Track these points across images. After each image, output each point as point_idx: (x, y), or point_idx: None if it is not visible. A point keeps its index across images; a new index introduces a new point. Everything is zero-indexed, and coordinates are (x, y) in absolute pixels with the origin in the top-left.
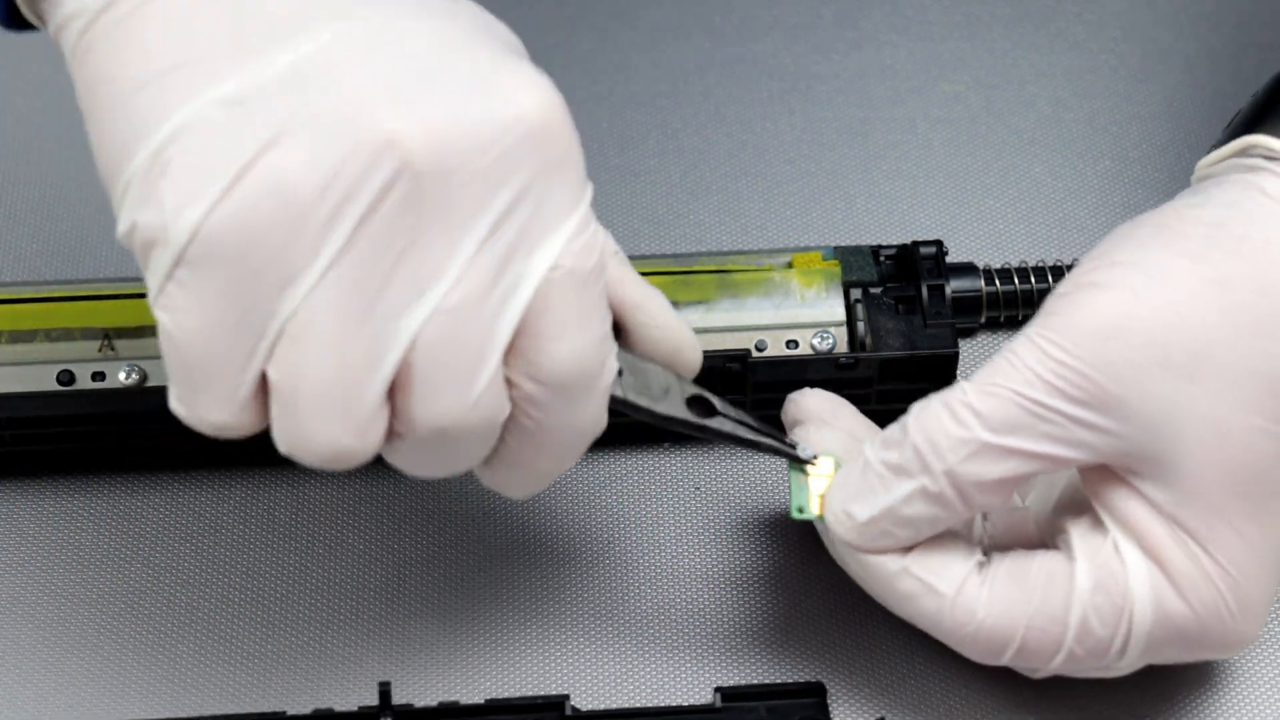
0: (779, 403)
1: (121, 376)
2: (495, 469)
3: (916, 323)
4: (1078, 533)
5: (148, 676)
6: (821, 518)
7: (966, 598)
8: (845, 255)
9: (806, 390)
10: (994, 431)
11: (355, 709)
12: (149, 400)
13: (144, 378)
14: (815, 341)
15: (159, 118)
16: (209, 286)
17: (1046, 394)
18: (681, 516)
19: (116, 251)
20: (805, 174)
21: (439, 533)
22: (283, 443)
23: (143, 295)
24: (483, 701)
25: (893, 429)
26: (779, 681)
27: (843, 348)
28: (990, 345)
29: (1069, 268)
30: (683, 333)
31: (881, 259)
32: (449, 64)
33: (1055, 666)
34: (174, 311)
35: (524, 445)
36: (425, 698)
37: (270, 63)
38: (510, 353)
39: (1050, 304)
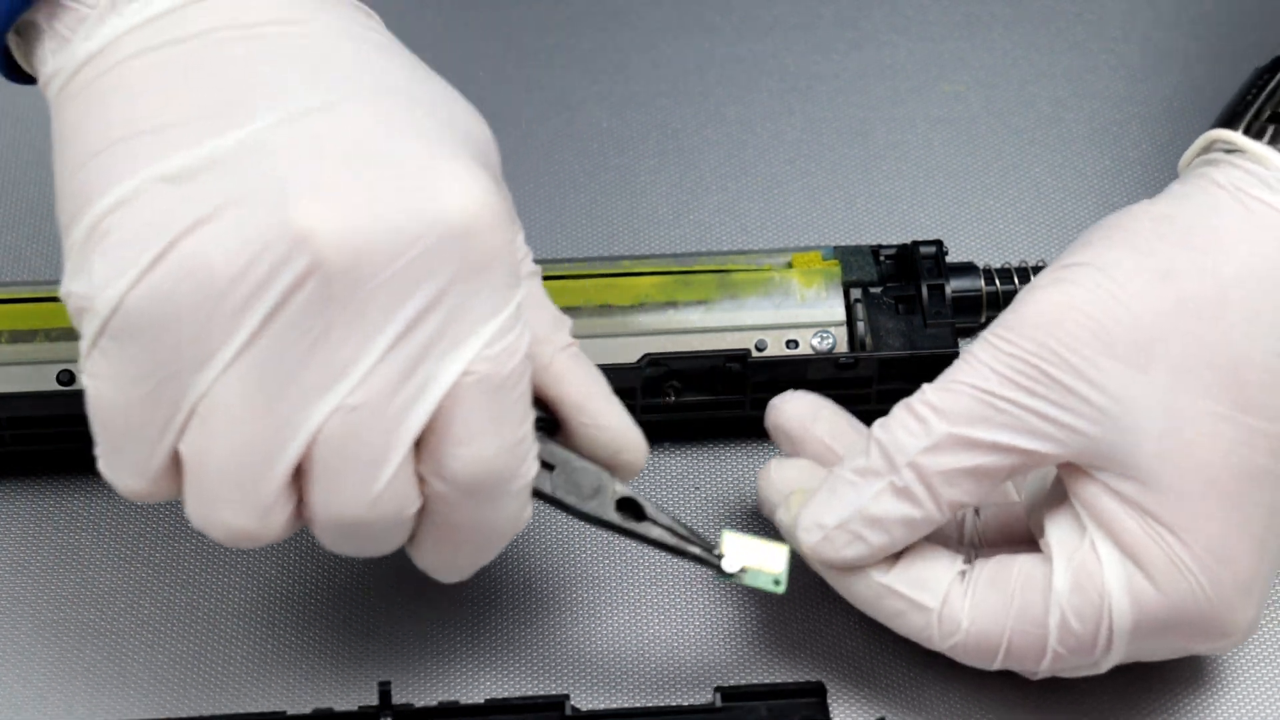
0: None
1: None
2: (417, 555)
3: (916, 322)
4: (1055, 531)
5: (148, 676)
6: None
7: (951, 609)
8: (845, 255)
9: (788, 395)
10: (953, 424)
11: (355, 709)
12: None
13: None
14: (815, 341)
15: (102, 188)
16: (128, 358)
17: (1000, 385)
18: (682, 516)
19: None
20: (805, 174)
21: None
22: (192, 518)
23: None
24: (483, 701)
25: (858, 442)
26: (779, 681)
27: (843, 347)
28: None
29: None
30: (624, 435)
31: (881, 259)
32: (381, 155)
33: (1045, 668)
34: (96, 378)
35: (439, 539)
36: (425, 698)
37: (217, 141)
38: (422, 450)
39: (1008, 308)
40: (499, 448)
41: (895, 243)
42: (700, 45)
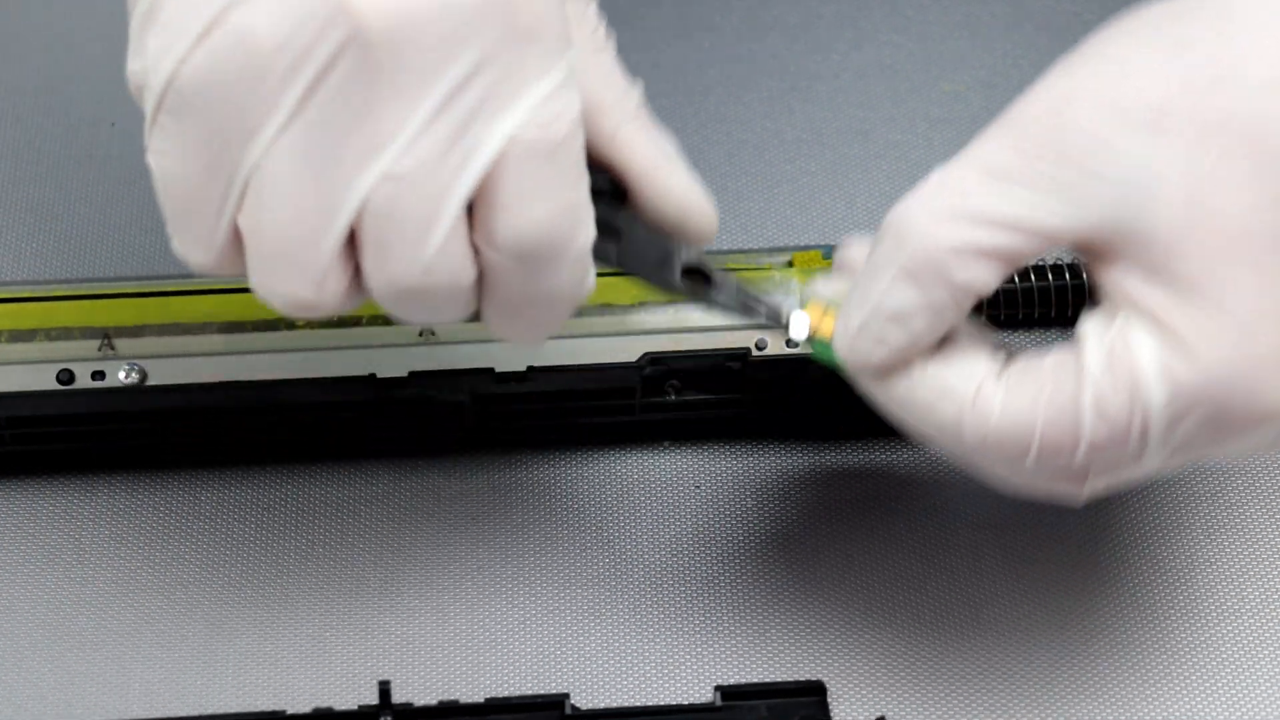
0: (779, 403)
1: (121, 375)
2: (487, 324)
3: None
4: (1086, 320)
5: (148, 676)
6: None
7: (983, 399)
8: None
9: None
10: (963, 198)
11: (355, 708)
12: (149, 399)
13: (143, 377)
14: None
15: None
16: (184, 132)
17: (1011, 160)
18: (681, 516)
19: (116, 251)
20: (805, 174)
21: (439, 532)
22: (255, 290)
23: (142, 295)
24: (483, 701)
25: (870, 244)
26: (779, 681)
27: None
28: None
29: (1069, 266)
30: (691, 203)
31: None
32: None
33: (1080, 462)
34: (157, 155)
35: (502, 308)
36: (425, 697)
37: None
38: (475, 219)
39: (1016, 100)
40: (549, 213)
41: None
42: (700, 45)
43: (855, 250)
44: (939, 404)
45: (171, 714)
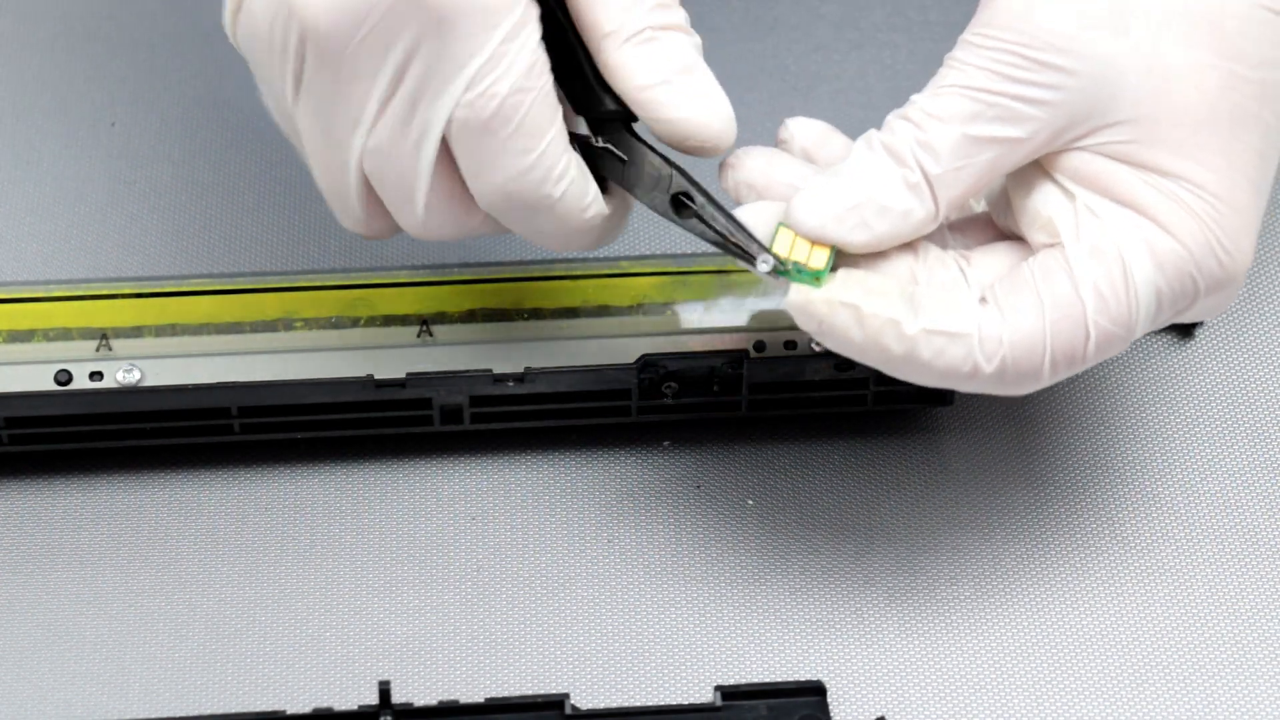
0: (778, 403)
1: (119, 376)
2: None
3: None
4: (1048, 210)
5: (147, 676)
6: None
7: (988, 329)
8: None
9: (742, 150)
10: (948, 123)
11: (355, 708)
12: (146, 400)
13: (141, 377)
14: (813, 343)
15: None
16: (258, 77)
17: (987, 80)
18: (681, 516)
19: (114, 252)
20: None
21: (439, 532)
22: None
23: (140, 296)
24: (483, 701)
25: (858, 145)
26: (779, 681)
27: None
28: None
29: None
30: (688, 123)
31: None
32: None
33: (1091, 354)
34: (260, 89)
35: (525, 235)
36: (425, 697)
37: None
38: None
39: (981, 6)
40: (507, 176)
41: None
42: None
43: (803, 132)
44: (948, 350)
45: (171, 714)
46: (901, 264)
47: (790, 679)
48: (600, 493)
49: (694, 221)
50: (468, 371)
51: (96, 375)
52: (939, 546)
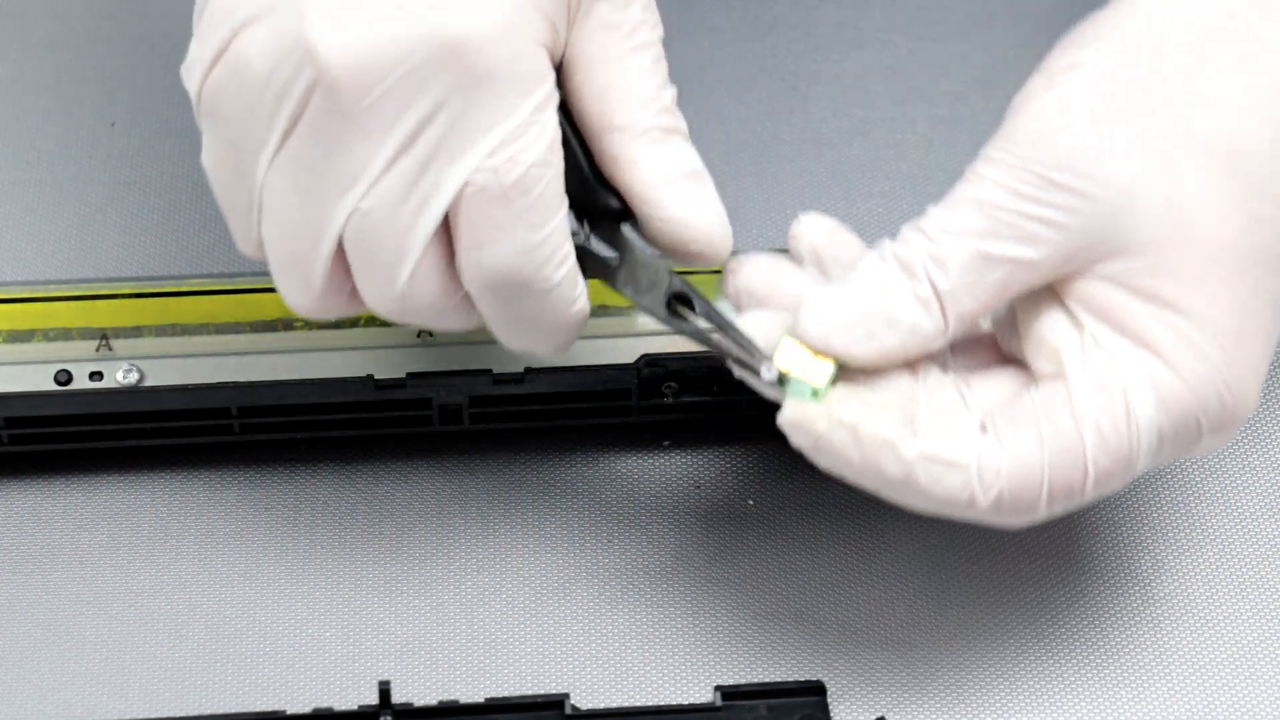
0: (777, 405)
1: (119, 376)
2: (493, 335)
3: None
4: (1055, 340)
5: (147, 676)
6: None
7: (986, 460)
8: None
9: (745, 256)
10: (961, 239)
11: (355, 709)
12: (146, 400)
13: (141, 377)
14: None
15: None
16: (214, 137)
17: (1004, 197)
18: (681, 516)
19: (114, 252)
20: (805, 174)
21: (439, 532)
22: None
23: (140, 296)
24: (483, 701)
25: (870, 255)
26: (779, 681)
27: None
28: None
29: None
30: (690, 227)
31: None
32: None
33: (1089, 491)
34: (204, 152)
35: (496, 326)
36: (425, 697)
37: None
38: (452, 251)
39: (1005, 119)
40: (508, 254)
41: None
42: (700, 45)
43: (813, 230)
44: (945, 479)
45: (171, 714)
46: (901, 384)
47: (790, 679)
48: (600, 493)
49: (691, 325)
50: (468, 371)
51: (96, 375)
52: (939, 545)
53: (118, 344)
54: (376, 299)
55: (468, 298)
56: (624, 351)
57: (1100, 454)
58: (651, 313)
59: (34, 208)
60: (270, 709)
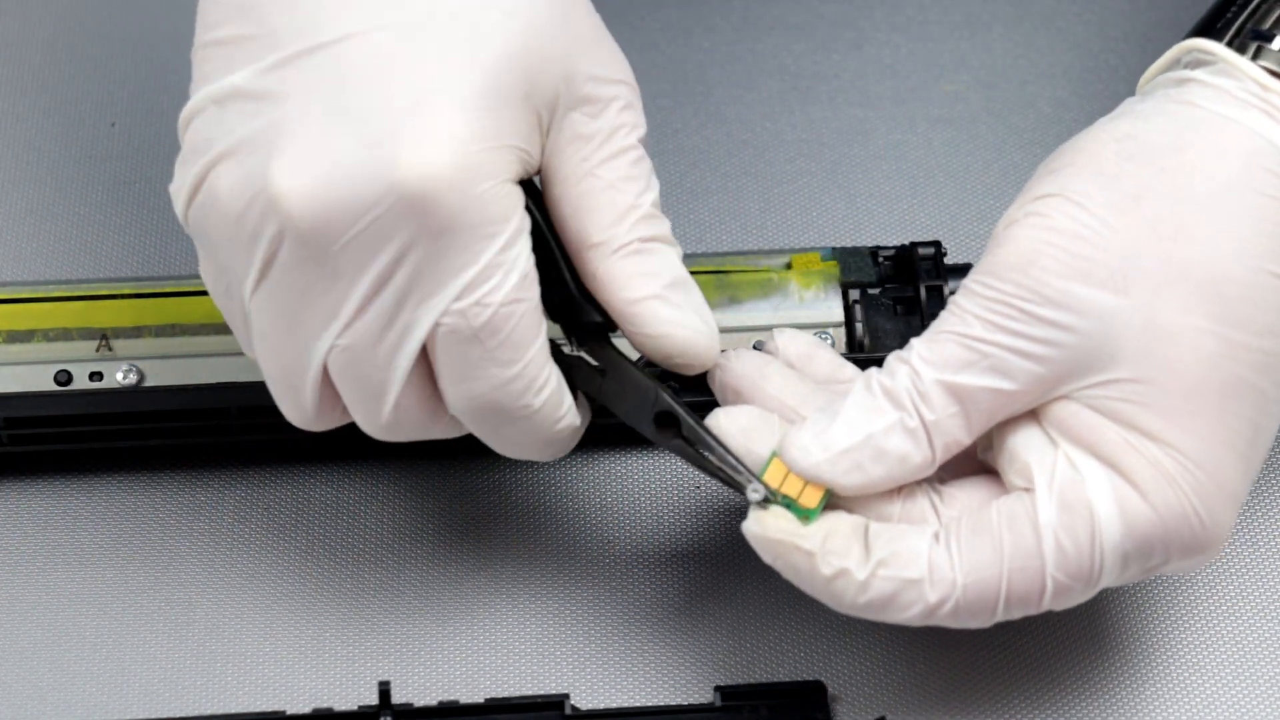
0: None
1: (119, 376)
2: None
3: (915, 324)
4: (1027, 455)
5: (147, 676)
6: (789, 501)
7: (941, 572)
8: (844, 256)
9: (735, 353)
10: (941, 372)
11: (355, 709)
12: (146, 400)
13: (141, 378)
14: None
15: (192, 89)
16: (205, 256)
17: (984, 330)
18: (681, 516)
19: (114, 252)
20: (805, 174)
21: (439, 532)
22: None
23: (140, 296)
24: (483, 701)
25: (857, 382)
26: (779, 681)
27: (841, 349)
28: None
29: None
30: (672, 341)
31: (880, 260)
32: (359, 107)
33: (1047, 603)
34: (200, 261)
35: (489, 444)
36: (425, 698)
37: (249, 69)
38: (434, 379)
39: (986, 249)
40: (489, 386)
41: (895, 243)
42: (700, 45)
43: (790, 345)
44: (900, 594)
45: (171, 714)
46: (875, 497)
47: (790, 679)
48: (600, 492)
49: (678, 442)
50: None
51: (96, 375)
52: None
53: (118, 344)
54: (365, 423)
55: (455, 418)
56: (624, 351)
57: (1060, 571)
58: (636, 426)
59: (34, 208)
60: (270, 709)
